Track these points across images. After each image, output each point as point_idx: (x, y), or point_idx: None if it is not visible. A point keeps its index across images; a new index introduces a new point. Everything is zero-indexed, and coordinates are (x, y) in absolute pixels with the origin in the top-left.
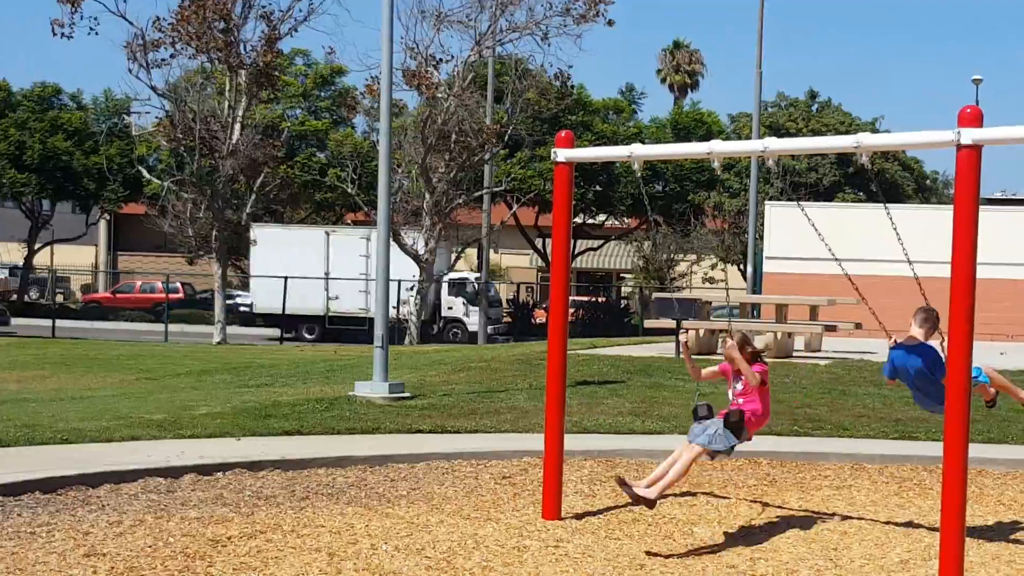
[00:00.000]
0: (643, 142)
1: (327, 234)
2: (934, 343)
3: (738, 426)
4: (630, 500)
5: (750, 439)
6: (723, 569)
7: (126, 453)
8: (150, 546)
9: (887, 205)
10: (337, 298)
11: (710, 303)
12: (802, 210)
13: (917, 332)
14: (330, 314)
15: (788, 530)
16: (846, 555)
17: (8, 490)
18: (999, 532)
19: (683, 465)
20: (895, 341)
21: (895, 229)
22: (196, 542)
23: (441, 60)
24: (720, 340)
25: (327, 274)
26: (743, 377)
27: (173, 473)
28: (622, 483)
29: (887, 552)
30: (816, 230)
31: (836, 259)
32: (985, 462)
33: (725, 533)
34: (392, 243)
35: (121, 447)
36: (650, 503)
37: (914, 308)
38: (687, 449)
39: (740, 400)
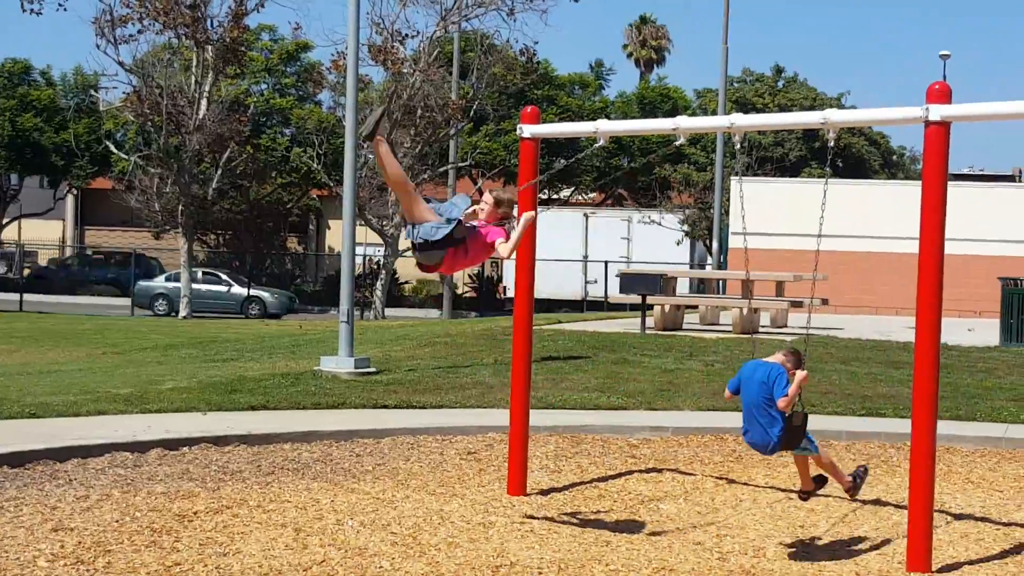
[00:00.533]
0: (609, 117)
1: (586, 216)
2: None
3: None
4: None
5: None
6: (689, 546)
7: (93, 427)
8: (117, 520)
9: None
10: (595, 282)
11: (675, 279)
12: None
13: (776, 357)
14: (588, 299)
15: (754, 507)
16: (813, 532)
17: None
18: (967, 510)
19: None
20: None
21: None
22: (163, 517)
23: (407, 35)
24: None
25: (586, 257)
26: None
27: (140, 448)
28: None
29: (855, 530)
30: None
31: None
32: (953, 439)
33: (691, 510)
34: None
35: (88, 421)
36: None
37: (880, 282)
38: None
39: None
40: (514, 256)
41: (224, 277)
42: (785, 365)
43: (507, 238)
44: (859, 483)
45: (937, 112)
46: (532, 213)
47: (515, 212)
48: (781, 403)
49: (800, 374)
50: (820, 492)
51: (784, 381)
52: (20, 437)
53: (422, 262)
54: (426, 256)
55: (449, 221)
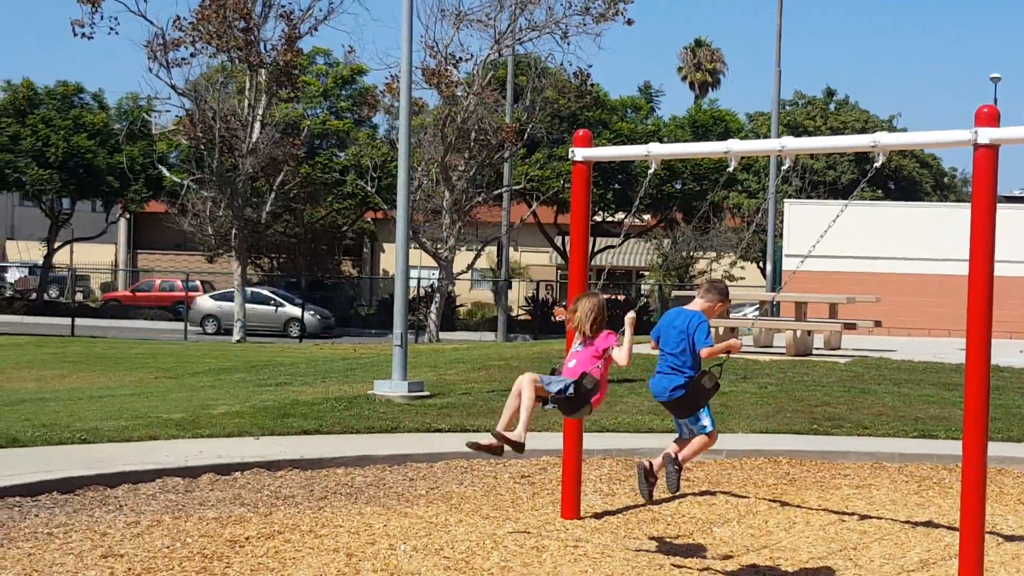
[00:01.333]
0: (661, 140)
1: None
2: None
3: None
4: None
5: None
6: (743, 569)
7: (144, 453)
8: (167, 547)
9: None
10: None
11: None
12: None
13: (696, 303)
14: None
15: (807, 529)
16: (865, 555)
17: (26, 490)
18: (1019, 531)
19: None
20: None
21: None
22: (214, 542)
23: (461, 59)
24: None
25: None
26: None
27: (191, 473)
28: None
29: (907, 552)
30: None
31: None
32: (1005, 460)
33: (745, 533)
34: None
35: (139, 447)
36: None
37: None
38: None
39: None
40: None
41: (269, 295)
42: (708, 307)
43: (617, 343)
44: (646, 480)
45: (986, 135)
46: (632, 314)
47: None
48: (704, 351)
49: (733, 341)
50: (871, 513)
51: (706, 330)
52: (70, 463)
53: (576, 418)
54: (578, 414)
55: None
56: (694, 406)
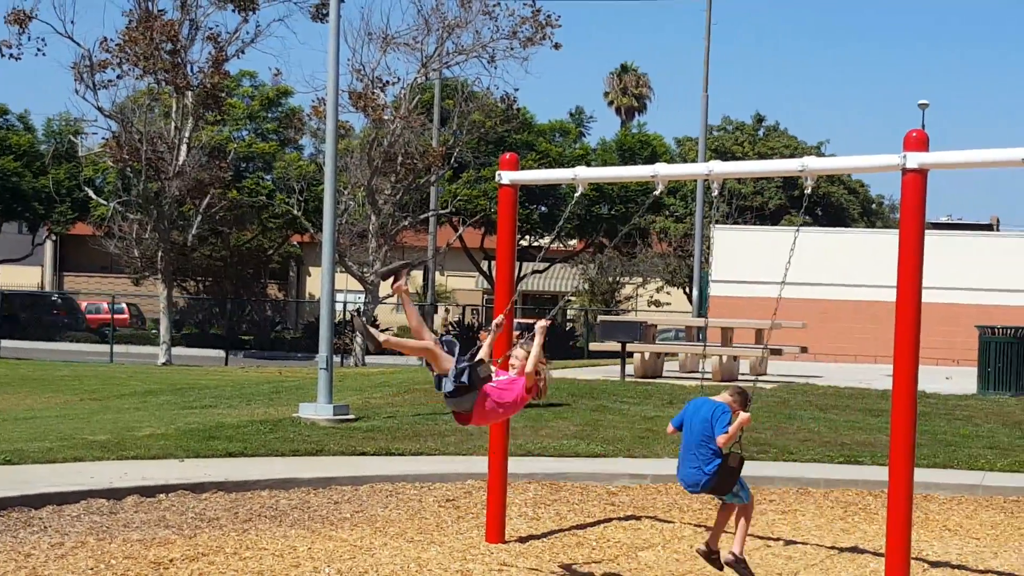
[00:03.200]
0: (589, 164)
1: None
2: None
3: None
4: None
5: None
6: None
7: (69, 474)
8: (92, 568)
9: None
10: None
11: (655, 326)
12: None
13: (723, 397)
14: None
15: None
16: None
17: None
18: (945, 557)
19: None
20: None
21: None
22: (138, 564)
23: (388, 82)
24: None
25: None
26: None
27: (116, 495)
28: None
29: None
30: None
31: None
32: (931, 487)
33: (670, 558)
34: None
35: (64, 468)
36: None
37: (858, 330)
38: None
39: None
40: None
41: None
42: (731, 404)
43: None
44: (743, 569)
45: (914, 160)
46: (545, 321)
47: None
48: (720, 439)
49: (743, 415)
50: (797, 539)
51: (727, 420)
52: None
53: (453, 409)
54: (455, 403)
55: (460, 366)
56: (729, 486)
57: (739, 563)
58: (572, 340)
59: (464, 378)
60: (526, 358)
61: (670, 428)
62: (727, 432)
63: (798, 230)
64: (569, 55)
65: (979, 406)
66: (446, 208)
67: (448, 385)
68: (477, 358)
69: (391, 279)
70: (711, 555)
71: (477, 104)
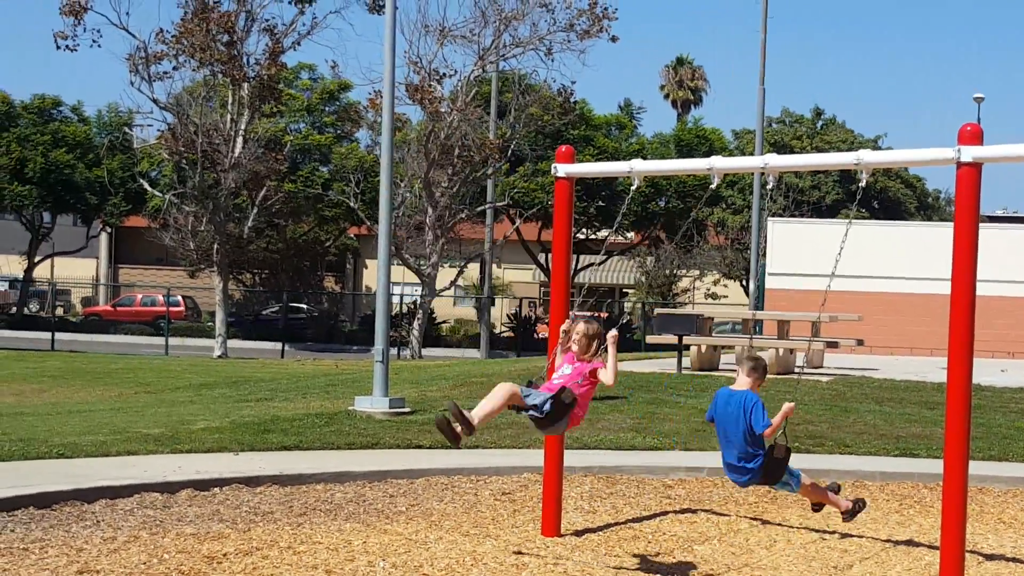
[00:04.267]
0: (645, 158)
1: None
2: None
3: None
4: None
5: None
6: None
7: (122, 468)
8: (144, 563)
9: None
10: None
11: (712, 319)
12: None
13: (743, 381)
14: None
15: (788, 548)
16: (847, 573)
17: (2, 505)
18: (1000, 550)
19: None
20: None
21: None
22: (191, 559)
23: (444, 75)
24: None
25: None
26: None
27: (169, 488)
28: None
29: (887, 570)
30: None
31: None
32: (986, 480)
33: (726, 551)
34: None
35: (117, 462)
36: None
37: (914, 323)
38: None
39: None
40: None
41: None
42: (755, 386)
43: (602, 363)
44: (857, 509)
45: (969, 153)
46: (615, 332)
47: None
48: (767, 432)
49: (787, 406)
50: (853, 532)
51: (761, 409)
52: (47, 478)
53: (552, 434)
54: (552, 431)
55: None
56: (779, 475)
57: (855, 506)
58: (629, 333)
59: (550, 408)
60: (584, 338)
61: (707, 418)
62: (771, 424)
63: (850, 222)
64: (625, 48)
65: None
66: (503, 201)
67: (539, 422)
68: (558, 388)
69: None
70: (819, 508)
71: (534, 97)
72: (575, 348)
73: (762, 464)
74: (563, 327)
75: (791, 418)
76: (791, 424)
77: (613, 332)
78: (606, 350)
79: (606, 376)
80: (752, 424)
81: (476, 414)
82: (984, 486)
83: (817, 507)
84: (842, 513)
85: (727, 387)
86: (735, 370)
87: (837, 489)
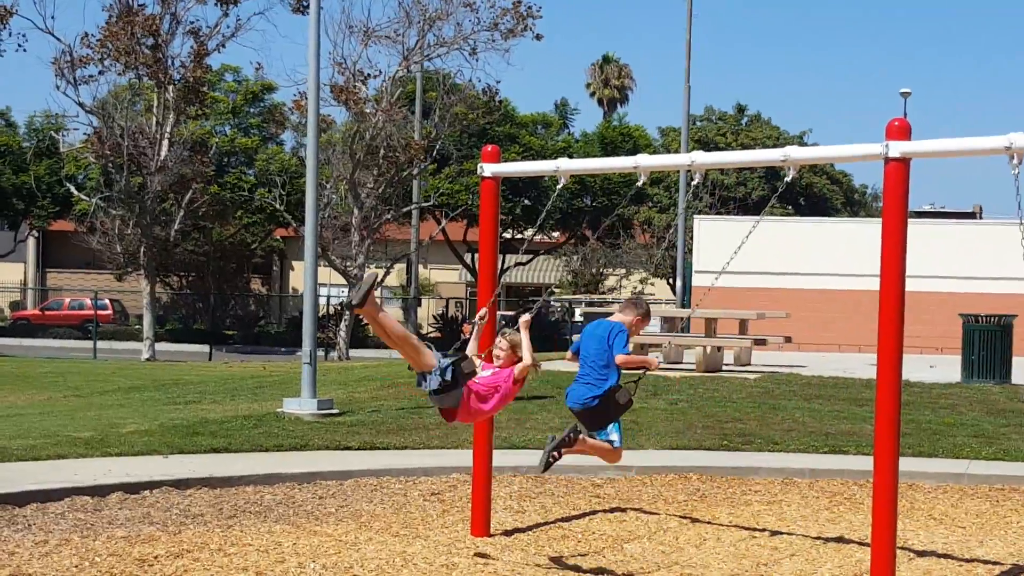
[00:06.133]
0: (571, 156)
1: None
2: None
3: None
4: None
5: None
6: None
7: (52, 471)
8: (76, 566)
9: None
10: None
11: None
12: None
13: (616, 317)
14: None
15: (718, 546)
16: (776, 571)
17: None
18: (931, 546)
19: None
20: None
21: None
22: (123, 561)
23: (369, 75)
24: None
25: None
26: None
27: (100, 491)
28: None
29: (818, 567)
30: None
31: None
32: (916, 476)
33: (656, 549)
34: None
35: (47, 465)
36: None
37: (842, 319)
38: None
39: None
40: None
41: None
42: (627, 321)
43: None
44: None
45: (897, 148)
46: (528, 316)
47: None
48: (619, 358)
49: (652, 357)
50: (783, 529)
51: (624, 339)
52: None
53: (440, 407)
54: (439, 399)
55: (444, 363)
56: (605, 420)
57: (564, 444)
58: (556, 331)
59: (448, 375)
60: (510, 349)
61: (569, 354)
62: (628, 354)
63: (758, 221)
64: (550, 46)
65: (963, 394)
66: (429, 201)
67: (433, 382)
68: (461, 354)
69: (364, 299)
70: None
71: (459, 96)
72: (500, 362)
73: (603, 394)
74: (480, 314)
75: (721, 417)
76: (718, 421)
77: (526, 316)
78: (518, 330)
79: (524, 359)
80: (612, 346)
81: (379, 311)
82: (914, 482)
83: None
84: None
85: (600, 318)
86: (664, 369)
87: None
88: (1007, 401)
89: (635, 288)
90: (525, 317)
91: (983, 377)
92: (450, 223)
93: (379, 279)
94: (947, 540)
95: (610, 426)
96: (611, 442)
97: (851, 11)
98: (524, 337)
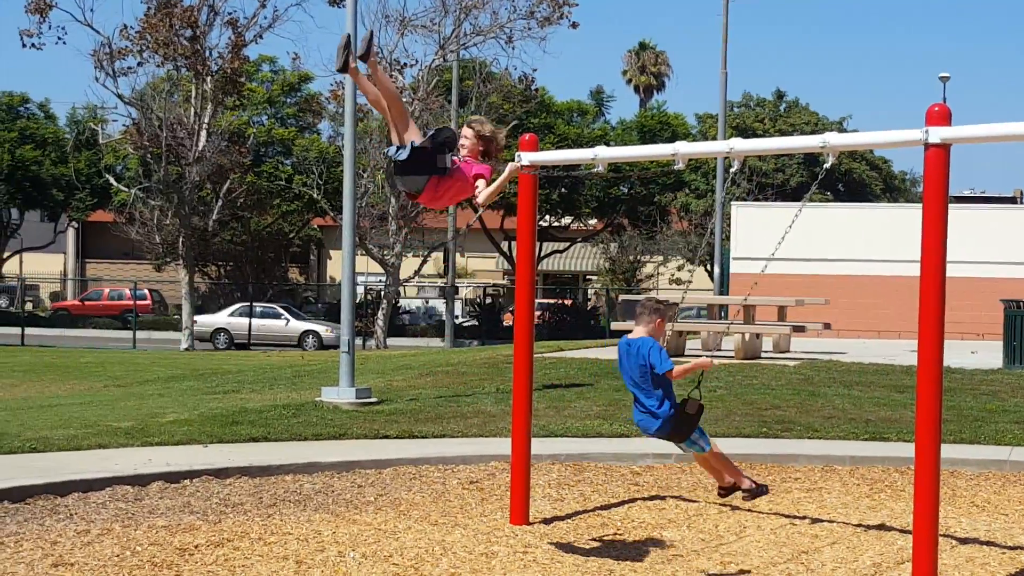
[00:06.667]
0: (608, 144)
1: None
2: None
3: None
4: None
5: None
6: (693, 574)
7: (94, 461)
8: (117, 555)
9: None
10: None
11: (676, 304)
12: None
13: (638, 331)
14: None
15: (758, 533)
16: (817, 559)
17: None
18: (973, 533)
19: None
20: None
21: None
22: (163, 551)
23: (405, 64)
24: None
25: None
26: None
27: (141, 481)
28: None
29: (859, 555)
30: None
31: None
32: (958, 463)
33: (695, 537)
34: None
35: (89, 455)
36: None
37: (882, 306)
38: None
39: None
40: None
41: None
42: (650, 331)
43: (488, 181)
44: (759, 492)
45: (936, 134)
46: (516, 164)
47: (497, 150)
48: (671, 374)
49: (702, 360)
50: (823, 517)
51: (660, 353)
52: (21, 472)
53: (402, 188)
54: (404, 182)
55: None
56: (687, 434)
57: (758, 489)
58: (593, 319)
59: (403, 156)
60: (476, 138)
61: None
62: (671, 368)
63: (798, 211)
64: (586, 34)
65: (1005, 380)
66: None
67: (402, 153)
68: (442, 137)
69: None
70: (731, 491)
71: (495, 85)
72: (464, 151)
73: (672, 415)
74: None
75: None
76: (758, 408)
77: (514, 164)
78: (500, 174)
79: (481, 193)
80: (653, 365)
81: (369, 69)
82: (956, 469)
83: (724, 491)
84: (743, 491)
85: (625, 337)
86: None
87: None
88: None
89: (672, 276)
90: (513, 165)
91: None
92: (487, 211)
93: (350, 37)
94: (990, 527)
95: (694, 433)
96: (700, 449)
97: None
98: (502, 176)
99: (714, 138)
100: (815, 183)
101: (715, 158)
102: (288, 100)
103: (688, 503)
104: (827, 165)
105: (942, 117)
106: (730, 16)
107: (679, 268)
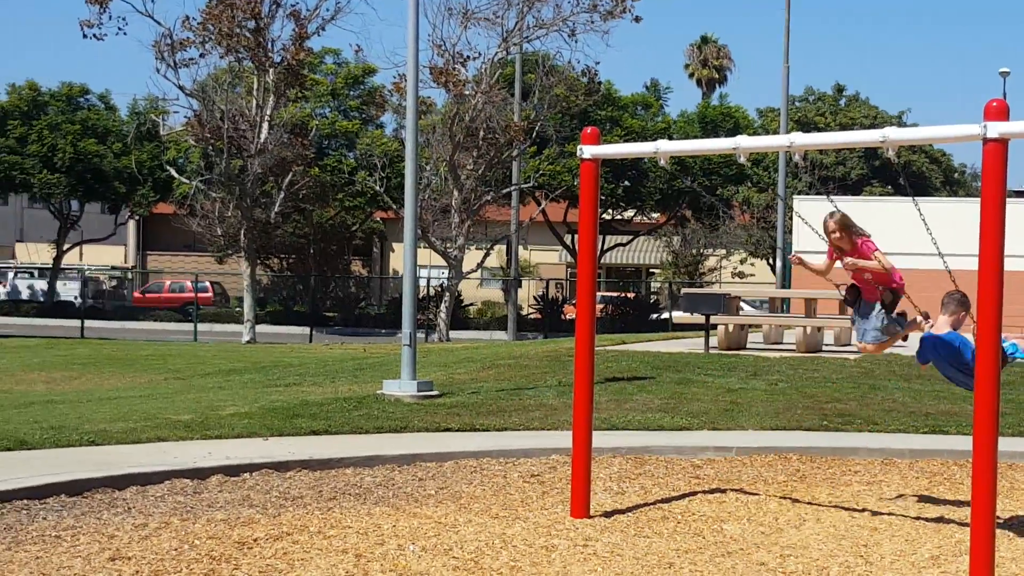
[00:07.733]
0: (671, 137)
1: None
2: (960, 330)
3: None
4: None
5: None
6: (753, 567)
7: (153, 454)
8: (176, 549)
9: (915, 198)
10: None
11: (739, 298)
12: (831, 201)
13: (943, 321)
14: None
15: (818, 527)
16: (876, 551)
17: (34, 493)
18: None
19: None
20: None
21: (923, 220)
22: (222, 544)
23: (468, 57)
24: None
25: None
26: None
27: (200, 474)
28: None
29: (918, 548)
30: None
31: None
32: (1016, 456)
33: (755, 530)
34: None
35: (148, 448)
36: None
37: (940, 298)
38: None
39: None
40: None
41: None
42: (955, 322)
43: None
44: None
45: (995, 129)
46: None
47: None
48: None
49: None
50: (882, 510)
51: (969, 343)
52: (79, 465)
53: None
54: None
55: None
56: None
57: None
58: (655, 312)
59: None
60: (843, 233)
61: (921, 365)
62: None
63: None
64: (648, 27)
65: None
66: (529, 182)
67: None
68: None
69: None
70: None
71: (558, 78)
72: (846, 245)
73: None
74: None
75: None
76: (818, 401)
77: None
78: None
79: (882, 258)
80: (970, 361)
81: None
82: (1015, 462)
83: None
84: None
85: (930, 332)
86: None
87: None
88: None
89: (735, 269)
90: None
91: None
92: (550, 204)
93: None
94: None
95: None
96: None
97: None
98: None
99: (776, 131)
100: (890, 185)
101: (776, 152)
102: (352, 93)
103: (748, 496)
104: (891, 159)
105: (1000, 112)
106: (792, 10)
107: (742, 261)
